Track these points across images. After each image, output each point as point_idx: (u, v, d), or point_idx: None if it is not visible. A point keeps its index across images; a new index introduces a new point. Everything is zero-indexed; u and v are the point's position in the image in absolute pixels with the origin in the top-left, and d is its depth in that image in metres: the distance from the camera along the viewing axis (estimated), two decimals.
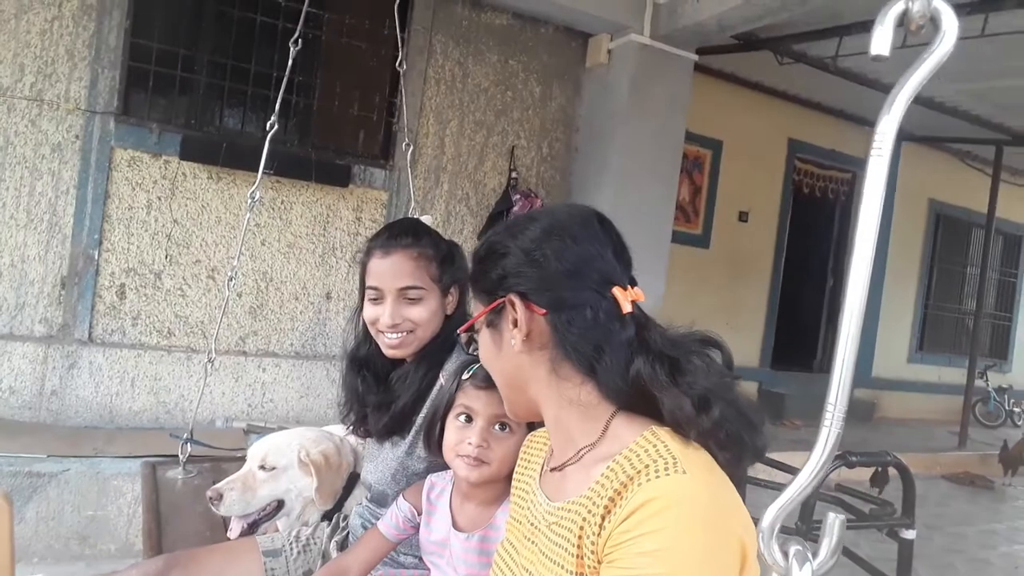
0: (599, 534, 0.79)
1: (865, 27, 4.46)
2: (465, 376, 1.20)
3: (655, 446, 0.81)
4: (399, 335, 1.41)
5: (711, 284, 6.49)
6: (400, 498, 1.35)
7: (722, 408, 0.81)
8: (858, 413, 7.39)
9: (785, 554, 0.60)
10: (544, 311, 0.89)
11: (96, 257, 3.79)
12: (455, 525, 1.23)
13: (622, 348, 0.87)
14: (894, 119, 0.59)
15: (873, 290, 7.66)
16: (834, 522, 0.59)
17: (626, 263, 0.93)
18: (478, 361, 1.16)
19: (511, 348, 0.91)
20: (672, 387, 0.83)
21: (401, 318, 1.40)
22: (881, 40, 0.59)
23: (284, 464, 1.79)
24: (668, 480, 0.74)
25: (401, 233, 1.45)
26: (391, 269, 1.41)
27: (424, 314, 1.41)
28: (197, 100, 4.02)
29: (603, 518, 0.79)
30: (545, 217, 0.95)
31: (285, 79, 2.59)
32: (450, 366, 1.43)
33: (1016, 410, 8.46)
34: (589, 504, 0.82)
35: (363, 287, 1.48)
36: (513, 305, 0.90)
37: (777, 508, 0.59)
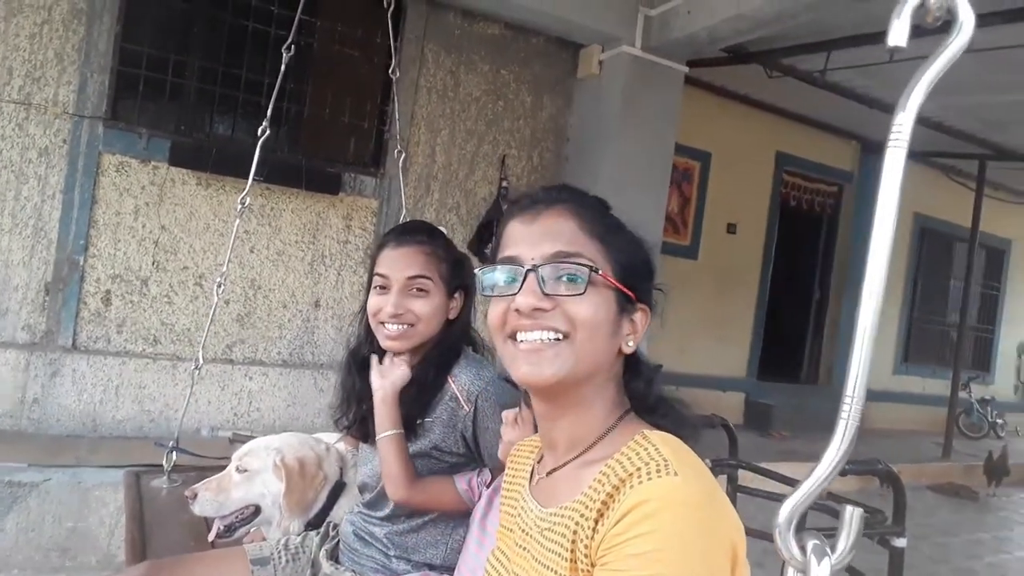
0: (592, 538, 0.79)
1: (854, 41, 4.51)
2: None
3: (646, 449, 0.81)
4: (400, 327, 1.41)
5: (699, 295, 6.50)
6: (486, 469, 1.39)
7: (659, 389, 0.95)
8: None
9: (803, 549, 0.59)
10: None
11: (81, 263, 3.74)
12: None
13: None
14: (911, 112, 0.60)
15: (858, 303, 7.72)
16: (852, 515, 0.59)
17: None
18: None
19: (619, 342, 0.91)
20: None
21: (404, 309, 1.41)
22: (899, 31, 0.59)
23: (257, 467, 1.77)
24: (660, 482, 0.75)
25: (416, 230, 1.49)
26: (402, 259, 1.43)
27: (427, 309, 1.42)
28: (187, 106, 4.00)
29: (596, 522, 0.79)
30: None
31: (277, 86, 2.58)
32: (461, 374, 1.42)
33: (999, 421, 8.54)
34: (582, 508, 0.82)
35: (370, 281, 1.49)
36: (643, 314, 0.93)
37: (794, 502, 0.59)
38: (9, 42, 3.54)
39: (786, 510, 0.59)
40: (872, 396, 8.12)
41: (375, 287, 1.45)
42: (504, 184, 4.82)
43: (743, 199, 6.96)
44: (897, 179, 0.61)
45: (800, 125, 7.05)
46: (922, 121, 6.09)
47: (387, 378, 1.41)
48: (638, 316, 0.92)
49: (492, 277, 0.91)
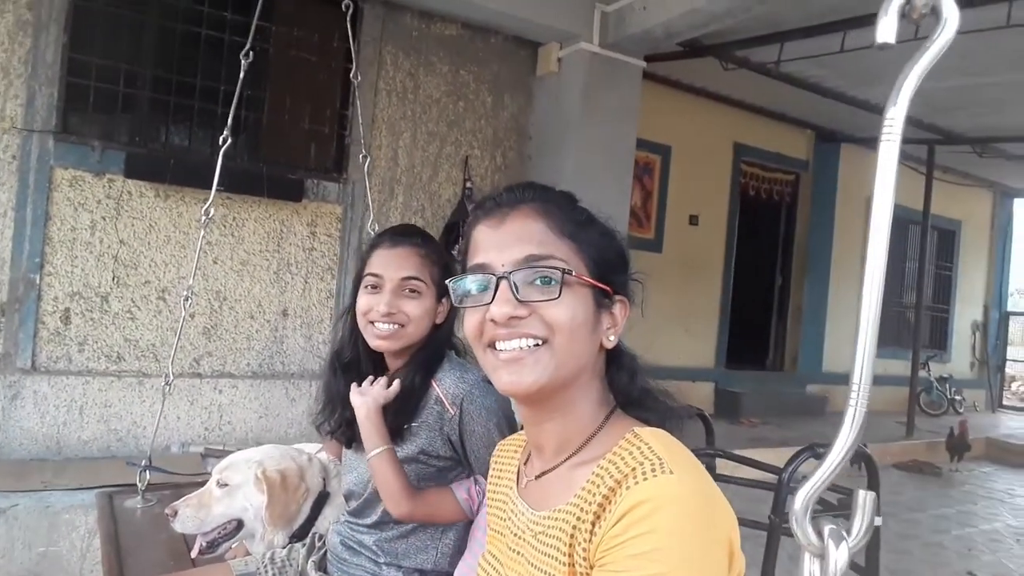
0: (590, 540, 0.78)
1: (806, 33, 4.61)
2: None
3: (639, 448, 0.81)
4: (391, 326, 1.41)
5: (665, 288, 6.58)
6: (482, 477, 1.37)
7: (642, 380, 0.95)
8: (811, 408, 7.59)
9: (819, 534, 0.60)
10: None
11: (38, 281, 3.63)
12: None
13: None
14: (901, 107, 0.62)
15: (820, 289, 7.94)
16: (865, 499, 0.60)
17: None
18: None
19: (599, 338, 0.89)
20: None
21: (396, 308, 1.41)
22: (886, 29, 0.61)
23: (239, 481, 1.74)
24: (656, 481, 0.74)
25: (411, 232, 1.50)
26: (396, 259, 1.43)
27: (418, 311, 1.42)
28: (141, 116, 3.90)
29: (593, 524, 0.78)
30: None
31: (237, 93, 2.54)
32: (445, 378, 1.42)
33: (957, 398, 8.82)
34: (577, 511, 0.81)
35: (357, 283, 1.48)
36: (622, 306, 0.92)
37: (808, 491, 0.60)
38: None
39: (801, 498, 0.60)
40: (836, 380, 8.34)
41: (366, 286, 1.45)
42: (468, 185, 4.81)
43: (704, 191, 7.07)
44: (892, 172, 0.63)
45: (756, 116, 7.19)
46: (873, 108, 6.27)
47: (367, 394, 1.38)
48: (617, 308, 0.91)
49: (464, 286, 0.88)
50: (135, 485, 2.38)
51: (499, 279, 0.84)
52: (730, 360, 7.51)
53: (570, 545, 0.81)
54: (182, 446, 3.83)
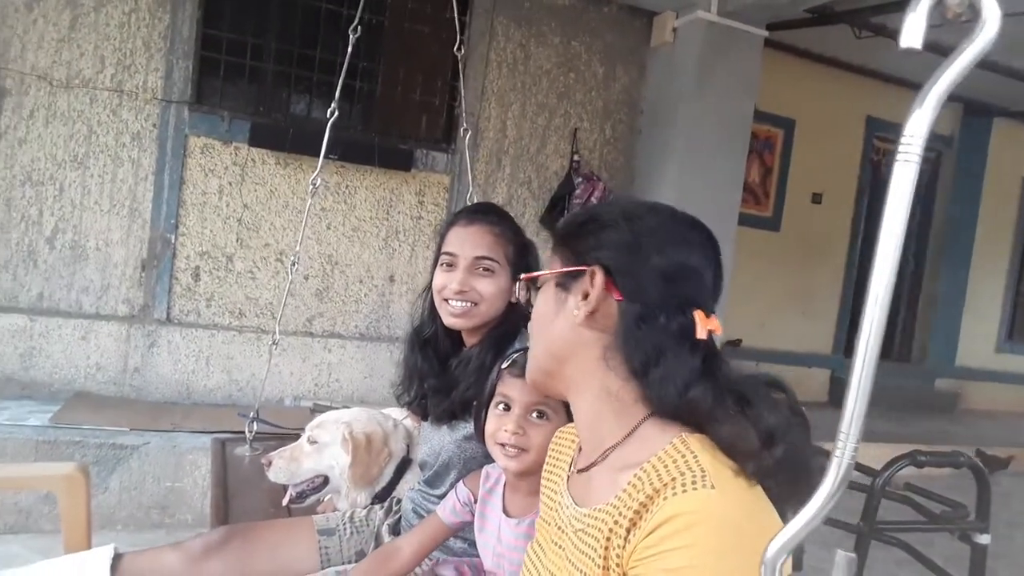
0: (624, 547, 0.77)
1: None
2: (504, 365, 1.20)
3: (684, 457, 0.78)
4: (464, 304, 1.44)
5: (781, 268, 6.27)
6: (460, 483, 1.37)
7: (785, 450, 0.79)
8: (939, 404, 7.06)
9: None
10: (621, 298, 0.85)
11: (173, 241, 3.96)
12: (505, 512, 1.24)
13: (684, 368, 0.83)
14: (925, 118, 0.53)
15: (958, 276, 7.31)
16: (842, 560, 0.56)
17: (718, 292, 0.90)
18: (522, 351, 1.15)
19: (570, 316, 0.88)
20: (740, 417, 0.80)
21: (469, 287, 1.43)
22: (913, 30, 0.53)
23: (327, 440, 1.85)
24: (695, 495, 0.72)
25: (487, 211, 1.53)
26: (470, 238, 1.46)
27: (492, 289, 1.44)
28: (265, 88, 4.13)
29: (628, 531, 0.77)
30: (665, 215, 0.92)
31: (345, 66, 2.63)
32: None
33: None
34: (615, 514, 0.80)
35: (436, 259, 1.52)
36: (593, 277, 0.86)
37: (781, 543, 0.55)
38: (100, 31, 3.74)
39: (772, 550, 0.56)
40: (971, 375, 7.71)
41: (441, 264, 1.48)
42: (576, 158, 4.77)
43: (830, 167, 6.63)
44: (906, 197, 0.54)
45: (893, 87, 6.61)
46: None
47: None
48: (587, 279, 0.87)
49: None
50: (245, 434, 2.57)
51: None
52: (850, 347, 7.06)
53: (606, 548, 0.80)
54: (294, 400, 4.09)
